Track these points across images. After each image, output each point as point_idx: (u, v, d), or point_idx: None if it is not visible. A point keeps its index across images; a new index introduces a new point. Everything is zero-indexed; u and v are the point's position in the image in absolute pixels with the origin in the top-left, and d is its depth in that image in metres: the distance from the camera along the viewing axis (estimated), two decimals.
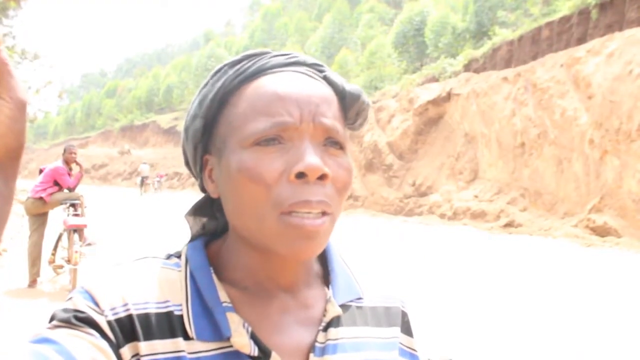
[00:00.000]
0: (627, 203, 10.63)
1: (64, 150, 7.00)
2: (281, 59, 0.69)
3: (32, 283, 6.64)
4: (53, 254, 6.98)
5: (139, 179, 33.29)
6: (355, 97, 0.69)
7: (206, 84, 0.70)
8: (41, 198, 6.65)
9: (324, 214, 0.62)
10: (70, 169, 7.00)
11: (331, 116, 0.65)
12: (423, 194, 18.07)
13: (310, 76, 0.68)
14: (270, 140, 0.63)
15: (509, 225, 13.65)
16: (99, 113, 67.70)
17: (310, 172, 0.60)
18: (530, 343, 4.77)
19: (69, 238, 6.55)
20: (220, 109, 0.68)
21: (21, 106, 0.47)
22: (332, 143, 0.65)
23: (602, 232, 10.97)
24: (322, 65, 0.71)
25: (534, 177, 13.90)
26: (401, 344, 0.78)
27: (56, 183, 6.79)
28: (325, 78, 0.69)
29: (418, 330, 0.83)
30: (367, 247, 10.27)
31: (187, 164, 0.75)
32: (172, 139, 47.08)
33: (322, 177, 0.62)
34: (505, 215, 14.11)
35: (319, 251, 0.64)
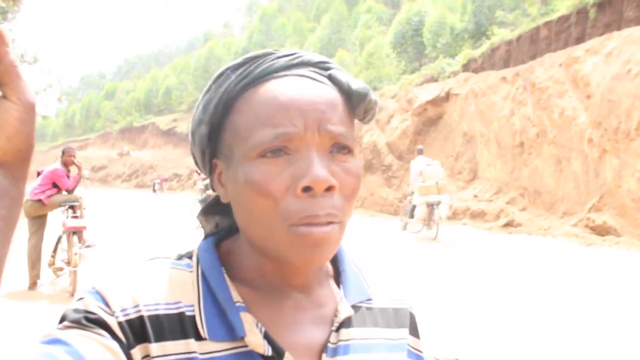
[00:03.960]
0: (627, 202, 10.64)
1: (63, 153, 7.01)
2: (285, 61, 0.67)
3: (32, 285, 6.64)
4: (53, 256, 6.97)
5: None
6: (362, 96, 0.67)
7: (209, 89, 0.69)
8: (40, 200, 6.65)
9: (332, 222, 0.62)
10: (69, 171, 7.01)
11: (337, 121, 0.64)
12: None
13: (315, 79, 0.66)
14: (276, 150, 0.62)
15: (508, 224, 13.65)
16: (98, 115, 67.77)
17: (317, 185, 0.60)
18: (530, 342, 4.77)
19: (68, 240, 6.56)
20: (225, 115, 0.67)
21: (30, 108, 0.47)
22: (339, 148, 0.64)
23: (601, 231, 10.97)
24: (328, 62, 0.69)
25: (533, 177, 13.91)
26: (408, 345, 0.78)
27: (55, 185, 6.79)
28: (330, 77, 0.67)
29: (422, 330, 0.83)
30: (368, 248, 10.26)
31: (196, 164, 0.75)
32: (171, 141, 47.07)
33: (329, 188, 0.61)
34: (505, 214, 14.11)
35: (329, 257, 0.64)
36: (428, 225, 12.08)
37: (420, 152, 13.03)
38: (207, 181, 17.55)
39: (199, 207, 14.48)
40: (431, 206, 11.71)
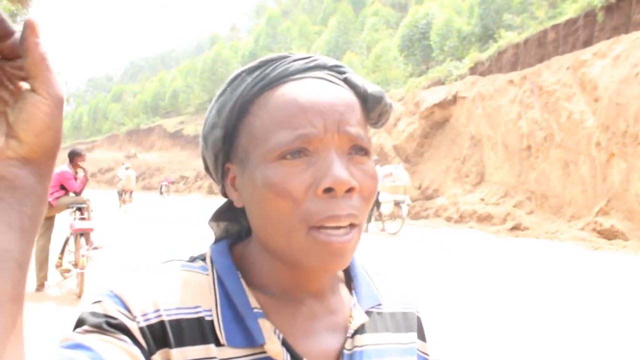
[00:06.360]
0: (634, 206, 10.59)
1: (71, 155, 7.03)
2: (301, 64, 0.66)
3: (40, 287, 6.66)
4: (60, 258, 6.99)
5: None
6: (378, 100, 0.67)
7: (223, 92, 0.68)
8: (48, 202, 6.66)
9: (352, 226, 0.62)
10: (77, 174, 7.03)
11: (355, 123, 0.64)
12: (429, 197, 18.05)
13: (331, 81, 0.66)
14: (296, 152, 0.61)
15: (515, 228, 13.61)
16: (105, 117, 68.10)
17: (338, 186, 0.59)
18: (537, 346, 4.75)
19: (75, 242, 6.57)
20: (240, 118, 0.66)
21: (59, 103, 0.46)
22: (357, 150, 0.64)
23: (609, 235, 10.92)
24: (342, 67, 0.69)
25: (541, 180, 13.87)
26: (417, 349, 0.78)
27: (62, 187, 6.81)
28: (346, 80, 0.67)
29: (428, 334, 0.83)
30: (376, 251, 10.25)
31: (207, 169, 0.74)
32: (178, 143, 47.16)
33: (350, 190, 0.61)
34: (512, 218, 14.07)
35: (347, 264, 0.63)
36: (393, 220, 13.87)
37: (377, 162, 14.60)
38: (119, 184, 19.83)
39: (117, 197, 21.28)
40: (398, 204, 13.33)
